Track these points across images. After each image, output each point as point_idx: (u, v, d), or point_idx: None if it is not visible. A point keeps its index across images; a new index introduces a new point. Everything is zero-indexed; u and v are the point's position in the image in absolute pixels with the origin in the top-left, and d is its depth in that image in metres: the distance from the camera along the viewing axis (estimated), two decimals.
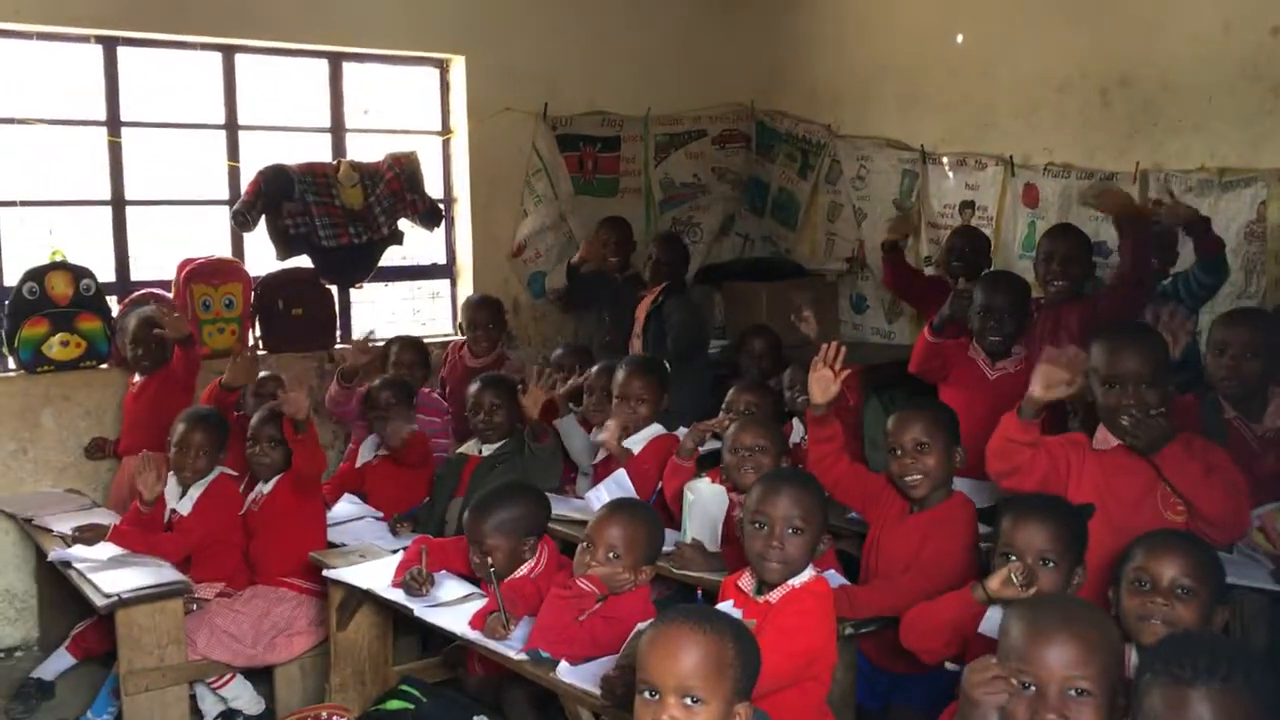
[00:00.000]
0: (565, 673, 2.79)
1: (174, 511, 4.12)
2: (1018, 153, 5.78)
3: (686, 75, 6.84)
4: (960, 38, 6.04)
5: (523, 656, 2.92)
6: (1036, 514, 2.78)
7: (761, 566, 2.80)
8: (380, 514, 4.49)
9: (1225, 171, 4.94)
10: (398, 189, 5.76)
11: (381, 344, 5.33)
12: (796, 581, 2.78)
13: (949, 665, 2.88)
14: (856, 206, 6.61)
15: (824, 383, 3.39)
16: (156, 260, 5.54)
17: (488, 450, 4.42)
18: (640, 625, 2.43)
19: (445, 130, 6.33)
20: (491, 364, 5.48)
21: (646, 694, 2.07)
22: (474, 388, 4.53)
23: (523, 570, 3.31)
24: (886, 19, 6.44)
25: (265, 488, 4.15)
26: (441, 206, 6.09)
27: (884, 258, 5.41)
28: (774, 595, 2.78)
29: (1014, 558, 2.73)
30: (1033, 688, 1.94)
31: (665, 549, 3.37)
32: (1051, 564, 2.72)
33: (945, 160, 6.15)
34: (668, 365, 4.62)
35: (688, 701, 2.04)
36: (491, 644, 3.03)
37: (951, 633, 2.82)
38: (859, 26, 6.59)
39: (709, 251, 6.91)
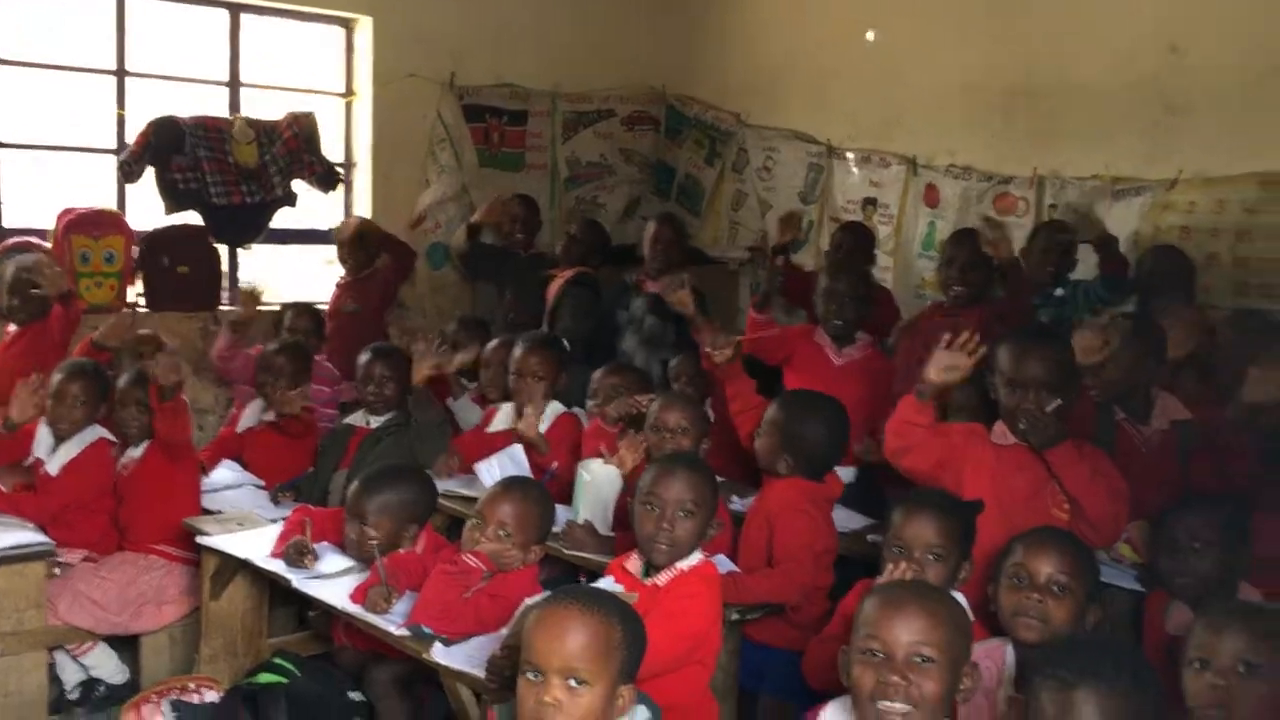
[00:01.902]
0: (440, 654, 2.73)
1: (40, 461, 3.93)
2: (921, 153, 5.86)
3: (597, 53, 6.77)
4: (871, 35, 6.09)
5: (404, 632, 2.85)
6: (927, 508, 2.80)
7: (650, 548, 2.78)
8: (261, 482, 4.35)
9: (1118, 180, 5.08)
10: (295, 148, 5.60)
11: (263, 294, 5.15)
12: (684, 565, 2.77)
13: None
14: (761, 197, 6.63)
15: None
16: (34, 207, 5.27)
17: (376, 422, 4.31)
18: (527, 602, 2.38)
19: (348, 92, 6.16)
20: (363, 280, 5.58)
21: (530, 675, 2.03)
22: (364, 358, 4.41)
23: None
24: (800, 11, 6.46)
25: (135, 452, 3.98)
26: (340, 170, 5.93)
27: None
28: (661, 578, 2.76)
29: (901, 551, 2.76)
30: (881, 655, 2.02)
31: (556, 529, 3.33)
32: (939, 558, 2.75)
33: (850, 156, 6.20)
34: (566, 343, 4.56)
35: (572, 683, 2.00)
36: (371, 618, 2.95)
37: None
38: (772, 17, 6.60)
39: (612, 233, 6.85)
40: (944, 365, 3.07)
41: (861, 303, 4.33)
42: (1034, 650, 2.52)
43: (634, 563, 2.84)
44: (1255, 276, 4.79)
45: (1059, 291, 4.64)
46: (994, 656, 2.59)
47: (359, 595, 3.02)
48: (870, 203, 6.13)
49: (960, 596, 2.62)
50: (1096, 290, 4.50)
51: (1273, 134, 4.67)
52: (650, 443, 3.60)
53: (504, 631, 2.66)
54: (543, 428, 4.12)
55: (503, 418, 4.32)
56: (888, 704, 2.00)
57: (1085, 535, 2.88)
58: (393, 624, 2.90)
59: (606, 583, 2.76)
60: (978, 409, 3.69)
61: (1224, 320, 4.17)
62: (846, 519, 3.75)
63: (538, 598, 2.30)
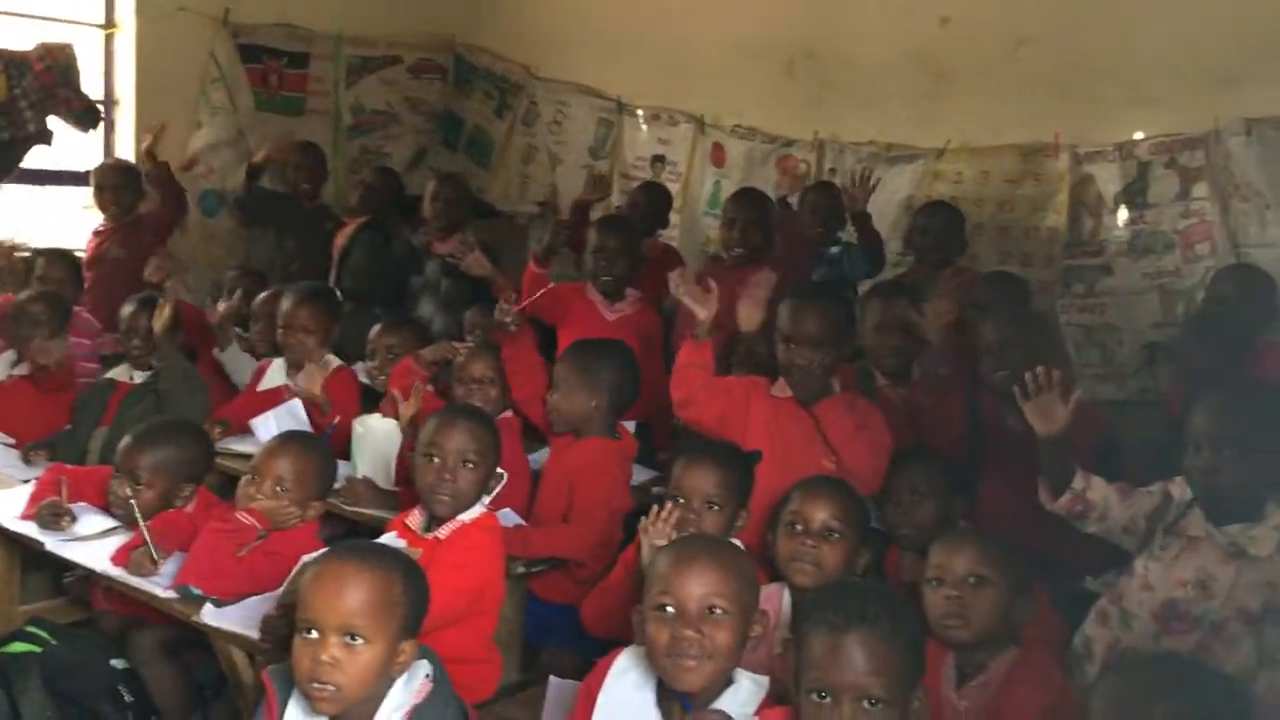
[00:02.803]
0: (210, 615, 2.62)
1: None
2: (709, 112, 5.94)
3: None
4: None
5: (170, 594, 2.71)
6: (705, 459, 2.87)
7: (432, 500, 2.75)
8: (10, 440, 4.04)
9: (891, 147, 5.30)
10: (49, 82, 5.17)
11: (26, 254, 4.79)
12: (466, 517, 2.76)
13: None
14: (552, 151, 6.59)
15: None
16: None
17: (140, 377, 4.07)
18: (305, 559, 2.31)
19: (109, 24, 5.75)
20: (128, 226, 5.25)
21: (306, 632, 1.96)
22: (128, 309, 4.17)
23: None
24: None
25: None
26: (100, 108, 5.54)
27: (572, 219, 5.41)
28: (443, 531, 2.74)
29: (683, 500, 2.81)
30: (674, 611, 2.05)
31: (337, 485, 3.24)
32: (716, 507, 2.81)
33: (640, 113, 6.23)
34: (339, 294, 4.43)
35: (349, 640, 1.95)
36: (134, 580, 2.80)
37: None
38: None
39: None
40: (700, 300, 3.17)
41: (631, 259, 4.37)
42: (808, 594, 2.62)
43: (415, 518, 2.80)
44: (1016, 245, 5.11)
45: (834, 250, 4.82)
46: (771, 601, 2.68)
47: (121, 557, 2.85)
48: (659, 160, 6.18)
49: (737, 545, 2.70)
50: (858, 260, 4.70)
51: (1031, 107, 4.98)
52: (457, 394, 3.59)
53: (280, 591, 2.58)
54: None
55: (275, 373, 4.15)
56: (683, 659, 2.02)
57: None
58: (158, 586, 2.76)
59: (389, 538, 2.71)
60: (759, 365, 3.81)
61: (977, 281, 4.41)
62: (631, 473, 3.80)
63: (315, 554, 2.21)
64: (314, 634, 1.95)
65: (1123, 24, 4.73)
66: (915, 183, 5.23)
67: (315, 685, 1.94)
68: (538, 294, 4.02)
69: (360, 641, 1.95)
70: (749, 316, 3.33)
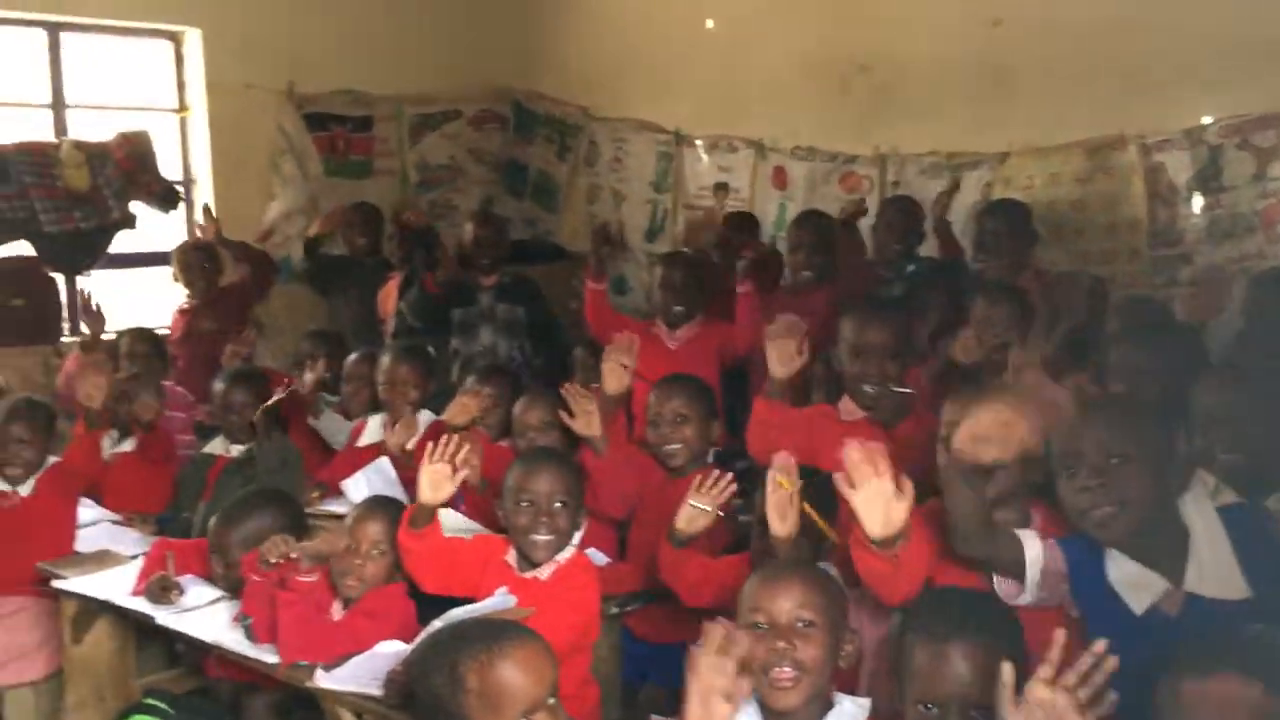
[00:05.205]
0: (323, 679, 2.69)
1: None
2: (767, 135, 5.96)
3: (439, 54, 6.69)
4: (710, 23, 6.17)
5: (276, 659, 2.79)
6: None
7: (528, 543, 2.81)
8: (118, 517, 4.18)
9: (954, 155, 5.26)
10: (129, 169, 5.40)
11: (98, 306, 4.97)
12: (562, 557, 2.82)
13: None
14: (615, 188, 6.66)
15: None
16: None
17: (236, 451, 4.18)
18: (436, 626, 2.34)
19: (181, 107, 5.97)
20: (215, 300, 5.36)
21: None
22: (221, 385, 4.27)
23: None
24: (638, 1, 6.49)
25: (23, 489, 3.78)
26: (179, 188, 5.74)
27: None
28: (544, 572, 2.80)
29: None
30: (766, 626, 2.10)
31: None
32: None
33: (699, 142, 6.27)
34: (432, 350, 4.51)
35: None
36: (246, 650, 2.89)
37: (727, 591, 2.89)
38: (611, 7, 6.62)
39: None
40: (784, 356, 3.20)
41: (698, 290, 4.40)
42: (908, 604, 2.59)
43: (512, 555, 2.87)
44: (1094, 245, 5.03)
45: (910, 268, 4.76)
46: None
47: (140, 586, 3.09)
48: (722, 188, 6.20)
49: (829, 567, 2.69)
50: (934, 272, 4.66)
51: (1093, 101, 4.91)
52: (518, 445, 3.62)
53: (393, 648, 2.68)
54: (416, 438, 4.05)
55: (372, 431, 4.24)
56: (778, 670, 2.06)
57: None
58: (269, 654, 2.84)
59: (500, 594, 2.75)
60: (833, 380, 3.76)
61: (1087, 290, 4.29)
62: None
63: (489, 644, 2.11)
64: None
65: (1176, 8, 4.65)
66: (981, 190, 5.17)
67: None
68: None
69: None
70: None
